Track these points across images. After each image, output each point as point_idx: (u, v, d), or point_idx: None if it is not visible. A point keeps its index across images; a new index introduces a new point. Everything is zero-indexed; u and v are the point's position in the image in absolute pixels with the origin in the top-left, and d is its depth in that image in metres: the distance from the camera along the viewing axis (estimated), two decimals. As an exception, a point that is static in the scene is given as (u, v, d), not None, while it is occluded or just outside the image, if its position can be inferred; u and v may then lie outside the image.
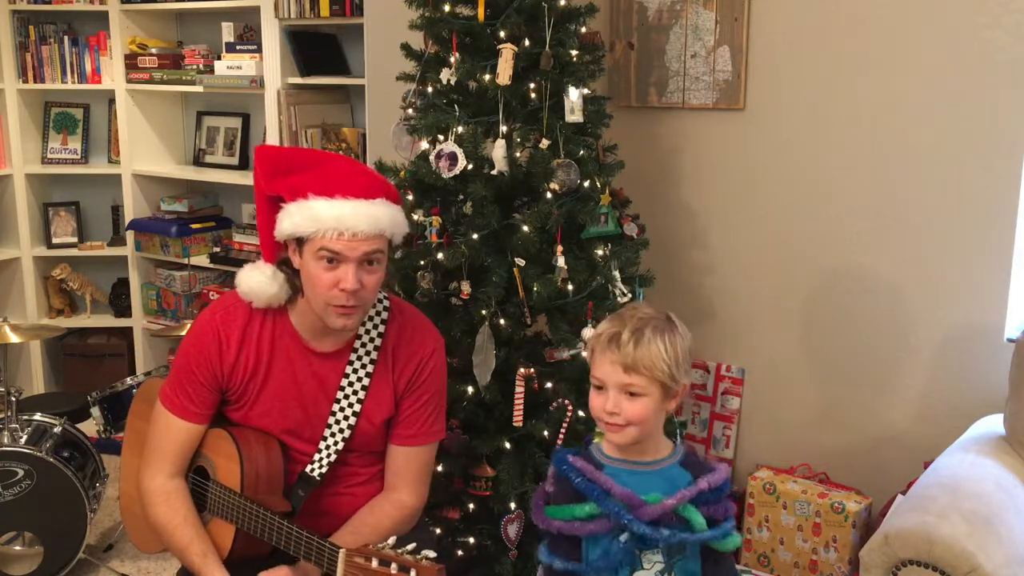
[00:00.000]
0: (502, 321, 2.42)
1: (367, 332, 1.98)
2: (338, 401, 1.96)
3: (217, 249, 4.20)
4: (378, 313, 2.00)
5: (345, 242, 1.78)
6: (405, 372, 2.00)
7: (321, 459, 1.97)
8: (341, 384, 1.96)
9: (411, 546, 1.65)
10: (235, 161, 4.28)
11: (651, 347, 1.66)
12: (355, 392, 1.96)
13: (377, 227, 1.81)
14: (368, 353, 1.97)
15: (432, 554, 1.63)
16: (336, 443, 1.97)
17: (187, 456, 1.98)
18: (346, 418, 1.96)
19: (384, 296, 2.04)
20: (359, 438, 1.99)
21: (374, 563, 1.66)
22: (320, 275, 1.81)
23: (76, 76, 4.29)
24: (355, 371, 1.96)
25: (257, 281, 1.90)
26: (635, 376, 1.66)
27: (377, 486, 2.05)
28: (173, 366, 1.99)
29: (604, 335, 1.70)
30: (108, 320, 4.46)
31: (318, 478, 1.97)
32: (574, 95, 2.44)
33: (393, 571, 1.63)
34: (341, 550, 1.72)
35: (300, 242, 1.83)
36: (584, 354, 1.78)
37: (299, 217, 1.80)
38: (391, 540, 1.68)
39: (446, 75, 2.49)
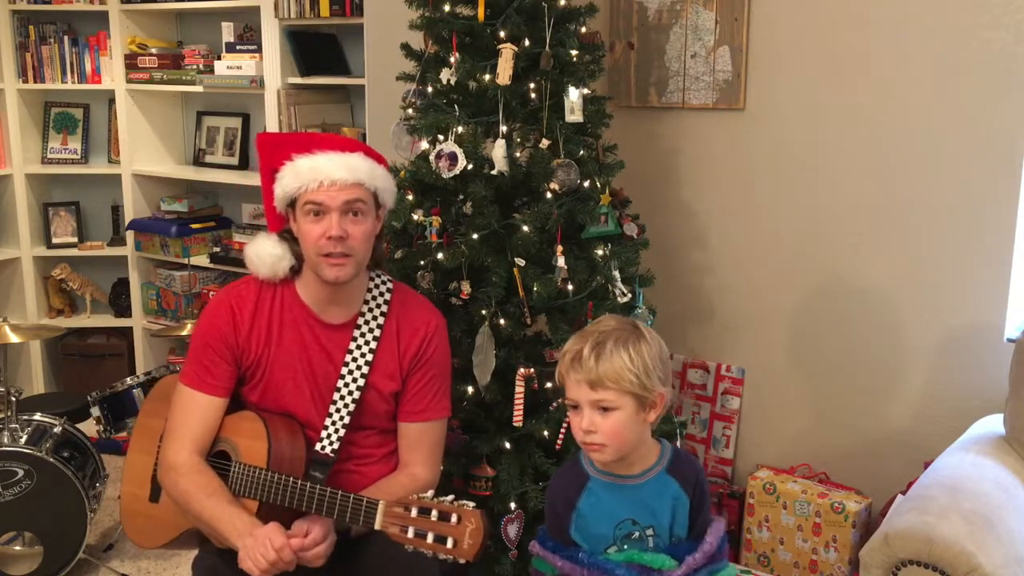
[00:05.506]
0: (502, 321, 2.42)
1: (372, 299, 2.08)
2: (346, 364, 2.03)
3: (217, 249, 4.19)
4: (382, 284, 2.11)
5: (325, 191, 1.92)
6: (411, 346, 2.08)
7: (330, 433, 2.02)
8: (348, 348, 2.04)
9: (450, 497, 1.72)
10: (235, 161, 4.28)
11: (614, 359, 1.66)
12: (362, 356, 2.04)
13: (354, 176, 1.94)
14: (374, 319, 2.06)
15: (471, 504, 1.69)
16: (345, 412, 2.02)
17: (210, 433, 2.02)
18: (355, 381, 2.03)
19: (387, 278, 2.14)
20: (367, 410, 2.05)
21: (413, 512, 1.72)
22: (309, 229, 1.94)
23: (76, 76, 4.29)
24: (362, 335, 2.05)
25: (260, 245, 2.04)
26: (603, 391, 1.66)
27: (388, 468, 2.10)
28: (190, 347, 2.08)
29: (568, 354, 1.71)
30: (108, 320, 4.47)
31: (332, 454, 2.00)
32: (574, 95, 2.44)
33: (433, 518, 1.69)
34: (380, 501, 1.78)
35: (293, 207, 1.98)
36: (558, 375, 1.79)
37: (287, 179, 1.96)
38: (430, 492, 1.75)
39: (446, 75, 2.49)
